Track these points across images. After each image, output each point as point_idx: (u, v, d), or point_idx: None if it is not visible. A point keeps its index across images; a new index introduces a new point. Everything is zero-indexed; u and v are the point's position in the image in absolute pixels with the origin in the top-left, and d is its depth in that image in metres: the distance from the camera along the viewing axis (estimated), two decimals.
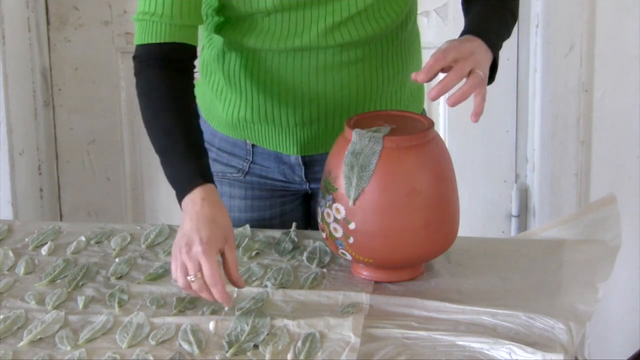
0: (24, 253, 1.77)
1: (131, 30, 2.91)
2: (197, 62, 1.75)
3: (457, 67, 1.53)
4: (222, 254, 1.54)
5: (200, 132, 1.65)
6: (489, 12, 1.68)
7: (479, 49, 1.58)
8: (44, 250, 1.77)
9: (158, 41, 1.66)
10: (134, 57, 1.69)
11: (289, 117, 1.76)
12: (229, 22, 1.73)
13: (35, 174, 2.95)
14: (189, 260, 1.51)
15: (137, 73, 1.68)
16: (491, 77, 1.64)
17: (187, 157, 1.60)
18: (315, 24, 1.68)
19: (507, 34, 1.71)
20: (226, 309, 1.54)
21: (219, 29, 1.75)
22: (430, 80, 1.55)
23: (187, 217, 1.55)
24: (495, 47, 1.62)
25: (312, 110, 1.75)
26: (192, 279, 1.51)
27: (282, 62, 1.72)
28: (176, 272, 1.53)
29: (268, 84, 1.75)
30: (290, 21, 1.68)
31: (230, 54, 1.77)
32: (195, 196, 1.56)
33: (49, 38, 2.93)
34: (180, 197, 1.59)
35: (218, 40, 1.78)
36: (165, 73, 1.66)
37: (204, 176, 1.58)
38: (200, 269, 1.51)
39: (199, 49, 1.72)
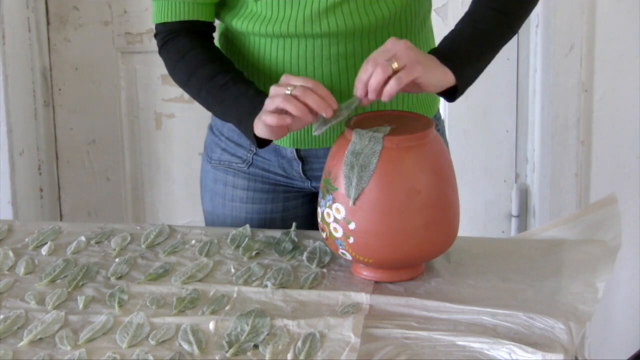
0: (24, 253, 1.77)
1: (131, 30, 2.91)
2: None
3: (371, 60, 1.56)
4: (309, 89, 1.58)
5: (242, 73, 1.73)
6: (466, 28, 1.68)
7: (418, 54, 1.58)
8: (44, 250, 1.77)
9: (177, 19, 1.74)
10: (156, 35, 1.77)
11: None
12: (225, 6, 1.76)
13: (35, 174, 2.95)
14: (280, 90, 1.57)
15: (163, 46, 1.76)
16: (455, 95, 1.65)
17: (243, 89, 1.67)
18: (302, 10, 1.69)
19: (488, 50, 1.69)
20: (226, 308, 1.54)
21: (216, 13, 1.79)
22: (364, 91, 1.57)
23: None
24: (459, 68, 1.62)
25: None
26: (289, 92, 1.56)
27: (274, 50, 1.74)
28: (272, 110, 1.57)
29: (261, 71, 1.76)
30: (279, 5, 1.69)
31: (230, 40, 1.80)
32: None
33: (49, 38, 2.93)
34: (252, 124, 1.64)
35: (221, 26, 1.82)
36: (190, 38, 1.74)
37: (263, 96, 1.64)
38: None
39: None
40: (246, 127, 1.65)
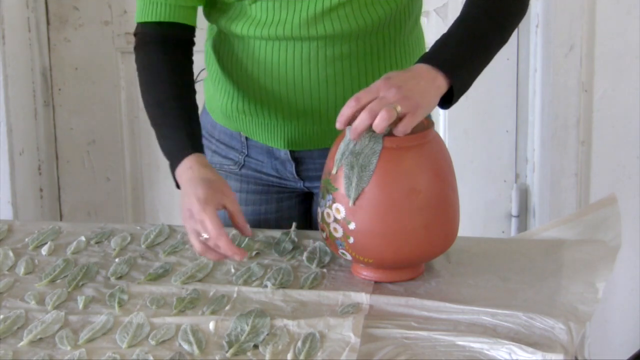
0: (24, 253, 1.77)
1: (131, 30, 2.90)
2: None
3: (368, 108, 1.50)
4: (226, 208, 1.60)
5: (194, 105, 1.72)
6: (458, 30, 1.63)
7: (411, 82, 1.52)
8: (44, 250, 1.77)
9: (157, 20, 1.74)
10: (135, 34, 1.78)
11: (277, 110, 1.77)
12: (219, 9, 1.76)
13: (35, 174, 2.95)
14: (195, 223, 1.57)
15: (136, 47, 1.77)
16: (456, 97, 1.60)
17: (177, 129, 1.68)
18: (299, 13, 1.69)
19: (483, 51, 1.63)
20: (226, 308, 1.54)
21: (209, 15, 1.79)
22: (345, 126, 1.52)
23: (183, 186, 1.63)
24: (453, 72, 1.56)
25: (299, 105, 1.76)
26: (205, 237, 1.57)
27: (269, 52, 1.74)
28: (191, 240, 1.59)
29: (256, 74, 1.76)
30: (275, 8, 1.69)
31: (223, 43, 1.80)
32: (185, 165, 1.64)
33: (49, 38, 2.93)
34: (173, 168, 1.67)
35: (212, 28, 1.82)
36: (163, 48, 1.74)
37: (193, 147, 1.66)
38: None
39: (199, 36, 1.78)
40: (171, 170, 1.68)
